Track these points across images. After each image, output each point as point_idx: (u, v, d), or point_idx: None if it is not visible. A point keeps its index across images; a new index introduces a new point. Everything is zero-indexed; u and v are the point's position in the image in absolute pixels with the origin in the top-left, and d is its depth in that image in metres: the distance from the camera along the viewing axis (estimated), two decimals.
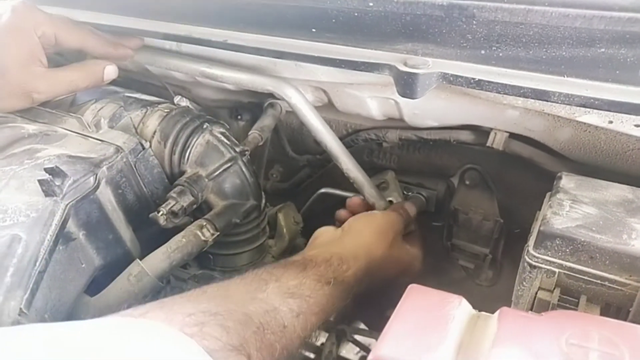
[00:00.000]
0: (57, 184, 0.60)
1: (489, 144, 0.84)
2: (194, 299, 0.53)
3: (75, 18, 0.88)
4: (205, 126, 0.80)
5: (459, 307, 0.43)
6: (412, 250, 0.85)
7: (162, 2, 0.78)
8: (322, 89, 0.89)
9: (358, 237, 0.78)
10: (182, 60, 0.87)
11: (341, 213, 0.92)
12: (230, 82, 0.83)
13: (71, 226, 0.63)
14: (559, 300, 0.54)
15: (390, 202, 0.92)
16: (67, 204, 0.61)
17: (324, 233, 0.82)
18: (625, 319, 0.52)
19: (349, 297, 0.68)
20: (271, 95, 1.01)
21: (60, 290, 0.61)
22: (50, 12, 0.77)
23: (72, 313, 0.63)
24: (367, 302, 0.72)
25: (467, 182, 0.94)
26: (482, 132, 0.87)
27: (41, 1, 0.93)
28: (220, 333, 0.48)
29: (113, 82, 0.95)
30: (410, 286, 0.46)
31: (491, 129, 0.84)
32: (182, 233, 0.73)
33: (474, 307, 0.46)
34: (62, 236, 0.60)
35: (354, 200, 0.91)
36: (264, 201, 0.87)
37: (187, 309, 0.50)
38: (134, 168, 0.73)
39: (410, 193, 0.99)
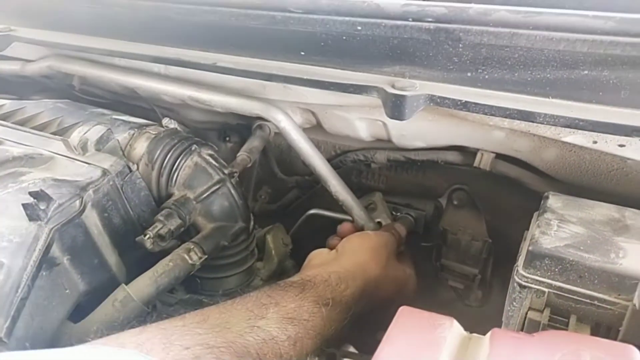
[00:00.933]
0: (41, 207, 0.59)
1: (475, 164, 0.85)
2: (194, 327, 0.53)
3: (66, 42, 0.88)
4: (193, 148, 0.80)
5: (451, 329, 0.43)
6: (406, 269, 0.85)
7: (151, 25, 0.79)
8: (310, 110, 0.89)
9: (353, 256, 0.77)
10: (169, 85, 0.86)
11: (333, 240, 0.91)
12: (219, 106, 0.84)
13: (55, 251, 0.61)
14: (549, 320, 0.54)
15: (379, 223, 0.92)
16: (52, 228, 0.60)
17: (319, 255, 0.82)
18: (615, 338, 0.52)
19: (347, 318, 0.67)
20: (259, 117, 1.02)
21: (42, 318, 0.59)
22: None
23: (54, 341, 0.61)
24: (364, 323, 0.71)
25: (455, 203, 0.95)
26: (469, 153, 0.87)
27: (35, 25, 0.93)
28: None
29: (100, 105, 0.95)
30: (401, 308, 0.46)
31: (478, 149, 0.84)
32: (169, 257, 0.71)
33: (465, 328, 0.46)
34: (45, 261, 0.58)
35: (344, 226, 0.90)
36: (252, 223, 0.87)
37: (185, 341, 0.50)
38: (121, 191, 0.72)
39: (398, 214, 0.99)
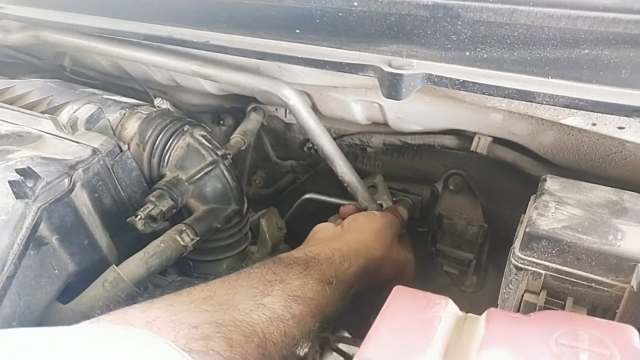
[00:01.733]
0: (28, 185, 0.57)
1: (472, 148, 0.84)
2: (201, 304, 0.53)
3: (54, 19, 0.86)
4: (186, 129, 0.78)
5: (446, 309, 0.42)
6: (407, 253, 0.84)
7: (142, 2, 0.77)
8: (306, 92, 0.88)
9: (359, 234, 0.76)
10: (173, 58, 0.82)
11: (336, 221, 0.90)
12: (224, 81, 0.80)
13: (43, 230, 0.60)
14: (545, 303, 0.54)
15: (380, 205, 0.91)
16: (40, 207, 0.59)
17: (324, 229, 0.81)
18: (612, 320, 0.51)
19: (348, 297, 0.67)
20: (254, 99, 1.01)
21: (30, 297, 0.58)
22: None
23: (42, 321, 0.60)
24: (361, 304, 0.71)
25: (451, 187, 0.94)
26: (466, 137, 0.86)
27: (23, 2, 0.91)
28: (225, 348, 0.48)
29: (92, 86, 0.93)
30: (395, 287, 0.45)
31: (475, 133, 0.83)
32: (160, 238, 0.70)
33: None
34: (33, 240, 0.57)
35: (347, 208, 0.89)
36: (246, 206, 0.86)
37: (193, 319, 0.49)
38: (112, 171, 0.71)
39: (395, 198, 0.98)
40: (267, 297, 0.57)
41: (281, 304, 0.58)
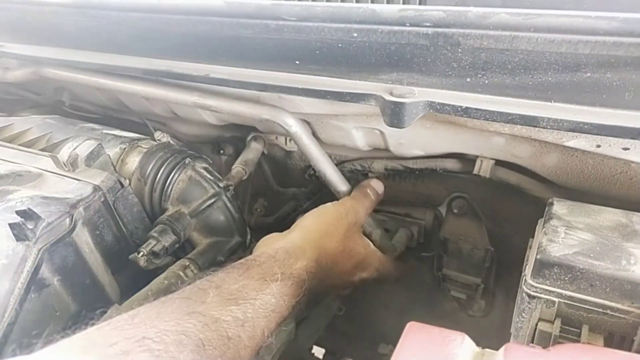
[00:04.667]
0: (29, 227, 0.56)
1: (475, 171, 0.83)
2: (121, 325, 0.49)
3: (54, 56, 0.86)
4: (187, 162, 0.78)
5: (462, 345, 0.41)
6: (369, 245, 0.82)
7: (140, 37, 0.77)
8: (306, 120, 0.87)
9: (305, 231, 0.75)
10: (173, 91, 0.82)
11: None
12: (225, 111, 0.80)
13: (45, 272, 0.59)
14: (560, 331, 0.52)
15: (386, 229, 0.90)
16: (41, 248, 0.58)
17: (268, 237, 0.78)
18: (630, 349, 0.50)
19: (302, 292, 0.64)
20: (254, 128, 1.00)
21: (31, 342, 0.56)
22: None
23: None
24: (324, 296, 0.69)
25: (455, 211, 0.93)
26: (468, 160, 0.86)
27: (23, 40, 0.91)
28: (148, 358, 0.45)
29: (91, 120, 0.93)
30: (409, 324, 0.44)
31: (477, 156, 0.83)
32: (163, 274, 0.69)
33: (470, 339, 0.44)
34: (34, 283, 0.56)
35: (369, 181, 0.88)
36: (249, 237, 0.85)
37: (109, 339, 0.46)
38: (113, 207, 0.70)
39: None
40: (201, 305, 0.55)
41: (218, 307, 0.55)
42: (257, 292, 0.59)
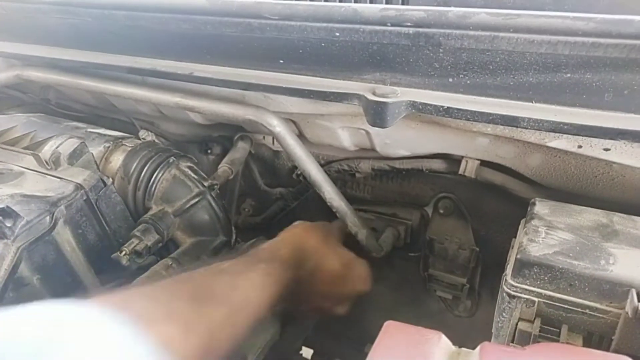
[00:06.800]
0: (7, 225, 0.56)
1: (460, 172, 0.83)
2: None
3: (38, 54, 0.85)
4: (171, 160, 0.78)
5: (439, 344, 0.41)
6: (354, 256, 0.83)
7: (124, 36, 0.76)
8: (292, 120, 0.87)
9: (283, 234, 0.78)
10: (155, 92, 0.81)
11: None
12: (208, 112, 0.79)
13: (24, 270, 0.58)
14: (540, 331, 0.52)
15: (373, 228, 0.90)
16: (19, 247, 0.57)
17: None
18: (608, 348, 0.50)
19: (282, 283, 0.65)
20: (241, 127, 1.00)
21: None
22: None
23: None
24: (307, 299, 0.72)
25: (442, 211, 0.93)
26: (453, 161, 0.86)
27: (5, 38, 0.90)
28: None
29: (77, 119, 0.92)
30: (386, 323, 0.44)
31: (462, 157, 0.83)
32: (146, 274, 0.69)
33: (454, 340, 0.44)
34: (12, 282, 0.55)
35: None
36: (234, 236, 0.84)
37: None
38: (95, 206, 0.70)
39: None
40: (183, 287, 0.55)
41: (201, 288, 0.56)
42: (236, 280, 0.59)
